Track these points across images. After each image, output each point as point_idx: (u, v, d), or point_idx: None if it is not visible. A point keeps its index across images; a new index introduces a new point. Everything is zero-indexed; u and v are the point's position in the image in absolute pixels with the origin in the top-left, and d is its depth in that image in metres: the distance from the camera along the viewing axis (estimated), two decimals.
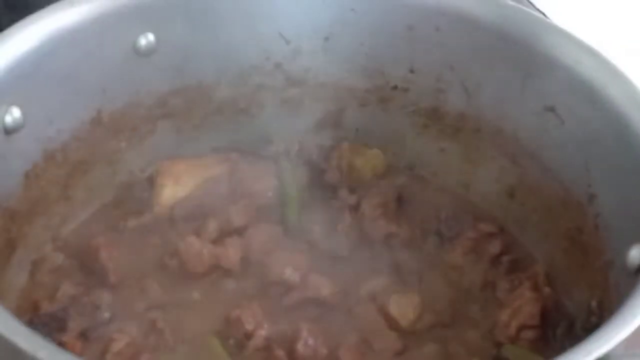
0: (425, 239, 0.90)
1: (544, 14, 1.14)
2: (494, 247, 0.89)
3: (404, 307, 0.84)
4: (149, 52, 0.87)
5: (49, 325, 0.78)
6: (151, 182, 0.93)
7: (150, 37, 0.87)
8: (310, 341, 0.79)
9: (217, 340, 0.80)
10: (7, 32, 0.79)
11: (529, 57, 0.85)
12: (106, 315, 0.81)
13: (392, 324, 0.83)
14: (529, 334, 0.82)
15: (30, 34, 0.80)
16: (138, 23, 0.86)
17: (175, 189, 0.91)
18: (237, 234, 0.89)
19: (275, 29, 0.91)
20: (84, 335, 0.79)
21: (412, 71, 0.92)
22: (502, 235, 0.90)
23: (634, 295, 0.66)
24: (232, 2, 0.89)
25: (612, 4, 1.28)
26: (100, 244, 0.85)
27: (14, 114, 0.78)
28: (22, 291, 0.84)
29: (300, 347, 0.79)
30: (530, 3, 1.23)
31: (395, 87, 0.93)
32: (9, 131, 0.78)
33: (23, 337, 0.60)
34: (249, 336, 0.80)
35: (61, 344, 0.77)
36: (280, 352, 0.79)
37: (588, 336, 0.63)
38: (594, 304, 0.79)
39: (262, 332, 0.80)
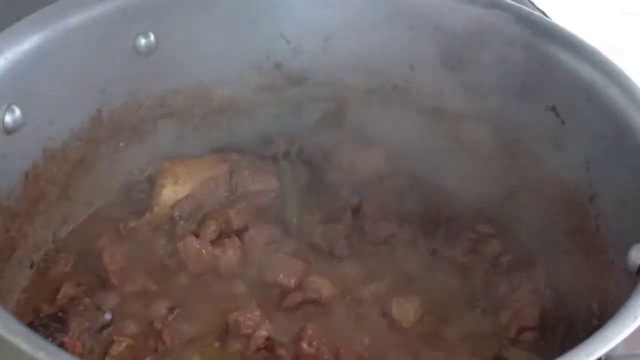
0: (425, 240, 0.90)
1: (544, 13, 1.14)
2: (493, 248, 0.89)
3: (405, 309, 0.84)
4: (149, 52, 0.87)
5: (49, 326, 0.78)
6: (151, 182, 0.93)
7: (150, 37, 0.87)
8: (315, 340, 0.79)
9: (216, 341, 0.81)
10: (7, 31, 0.79)
11: (529, 57, 0.85)
12: (107, 316, 0.81)
13: (393, 325, 0.83)
14: (529, 336, 0.82)
15: (31, 33, 0.80)
16: (138, 23, 0.86)
17: (175, 189, 0.91)
18: (237, 234, 0.89)
19: (276, 29, 0.91)
20: (84, 337, 0.79)
21: (412, 71, 0.92)
22: (501, 236, 0.90)
23: (634, 295, 0.66)
24: (232, 2, 0.89)
25: (612, 4, 1.28)
26: (105, 246, 0.85)
27: (14, 113, 0.78)
28: (23, 292, 0.84)
29: (304, 345, 0.79)
30: (531, 2, 1.23)
31: (395, 87, 0.93)
32: (9, 130, 0.78)
33: (23, 337, 0.60)
34: (248, 336, 0.80)
35: (62, 345, 0.77)
36: (282, 351, 0.79)
37: (588, 337, 0.63)
38: (594, 305, 0.78)
39: (263, 332, 0.80)
